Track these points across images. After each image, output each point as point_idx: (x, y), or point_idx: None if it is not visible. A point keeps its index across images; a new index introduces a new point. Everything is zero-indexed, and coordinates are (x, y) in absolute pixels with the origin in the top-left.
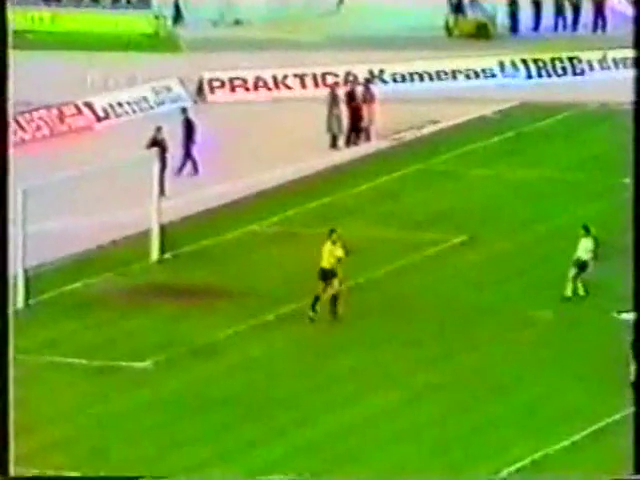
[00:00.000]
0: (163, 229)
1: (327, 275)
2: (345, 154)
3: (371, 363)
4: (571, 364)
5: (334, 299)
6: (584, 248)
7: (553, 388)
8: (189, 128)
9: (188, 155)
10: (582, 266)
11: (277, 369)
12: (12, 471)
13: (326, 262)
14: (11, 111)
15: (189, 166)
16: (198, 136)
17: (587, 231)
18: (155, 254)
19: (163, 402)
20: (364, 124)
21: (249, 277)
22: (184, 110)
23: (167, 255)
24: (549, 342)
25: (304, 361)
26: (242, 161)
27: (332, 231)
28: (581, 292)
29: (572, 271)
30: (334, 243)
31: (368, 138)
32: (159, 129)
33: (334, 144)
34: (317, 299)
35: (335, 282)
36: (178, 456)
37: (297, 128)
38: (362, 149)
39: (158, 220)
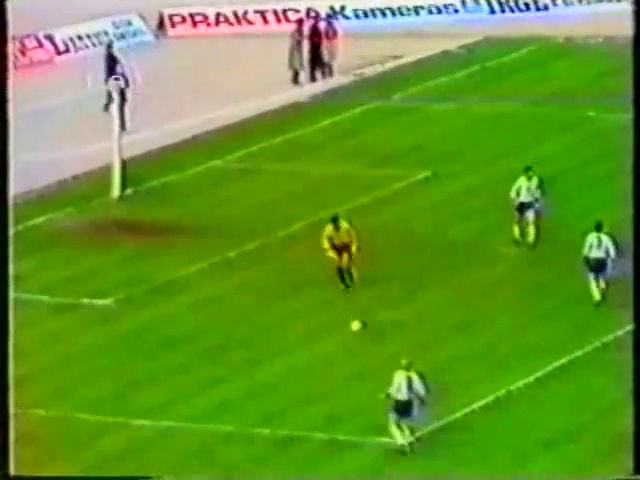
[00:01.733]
0: (124, 164)
1: (338, 249)
2: (307, 90)
3: (333, 301)
4: (535, 301)
5: (341, 271)
6: (526, 189)
7: (517, 325)
8: (112, 64)
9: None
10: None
11: (237, 308)
12: (12, 471)
13: (330, 244)
14: (11, 111)
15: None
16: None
17: (529, 171)
18: (116, 190)
19: (124, 340)
20: (326, 60)
21: (211, 214)
22: (109, 46)
23: (128, 191)
24: (514, 278)
25: (264, 300)
26: (204, 97)
27: (335, 219)
28: (531, 239)
29: (515, 214)
30: (337, 230)
31: (330, 74)
32: (120, 65)
33: (296, 80)
34: (340, 271)
35: (345, 256)
36: (138, 395)
37: (259, 64)
38: (324, 85)
39: (119, 155)
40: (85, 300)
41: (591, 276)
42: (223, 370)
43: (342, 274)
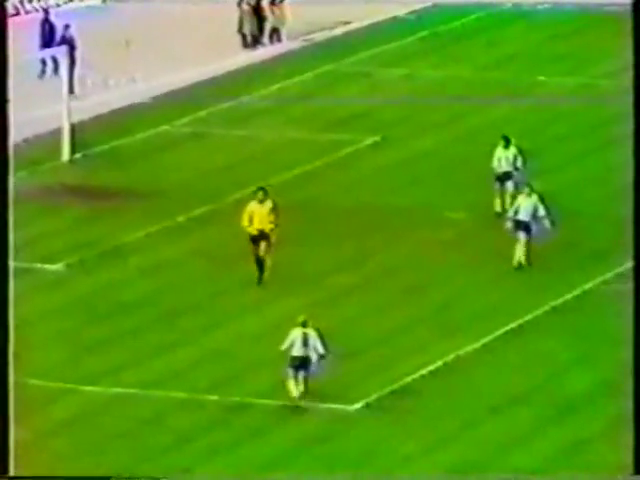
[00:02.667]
0: (73, 128)
1: (256, 239)
2: (257, 55)
3: (284, 266)
4: (484, 265)
5: (260, 263)
6: (505, 160)
7: (467, 289)
8: (49, 30)
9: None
10: (503, 179)
11: (187, 273)
12: (12, 471)
13: (254, 226)
14: (11, 110)
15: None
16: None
17: (504, 141)
18: (66, 154)
19: (75, 305)
20: (275, 25)
21: (160, 178)
22: (45, 11)
23: (78, 155)
24: (463, 243)
25: (214, 265)
26: (153, 61)
27: (260, 189)
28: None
29: (496, 185)
30: (261, 202)
31: (279, 39)
32: (67, 27)
33: (245, 45)
34: (258, 260)
35: (262, 245)
36: (89, 361)
37: (209, 29)
38: (273, 50)
39: (69, 119)
40: (36, 265)
41: (521, 236)
42: (174, 336)
43: (260, 264)
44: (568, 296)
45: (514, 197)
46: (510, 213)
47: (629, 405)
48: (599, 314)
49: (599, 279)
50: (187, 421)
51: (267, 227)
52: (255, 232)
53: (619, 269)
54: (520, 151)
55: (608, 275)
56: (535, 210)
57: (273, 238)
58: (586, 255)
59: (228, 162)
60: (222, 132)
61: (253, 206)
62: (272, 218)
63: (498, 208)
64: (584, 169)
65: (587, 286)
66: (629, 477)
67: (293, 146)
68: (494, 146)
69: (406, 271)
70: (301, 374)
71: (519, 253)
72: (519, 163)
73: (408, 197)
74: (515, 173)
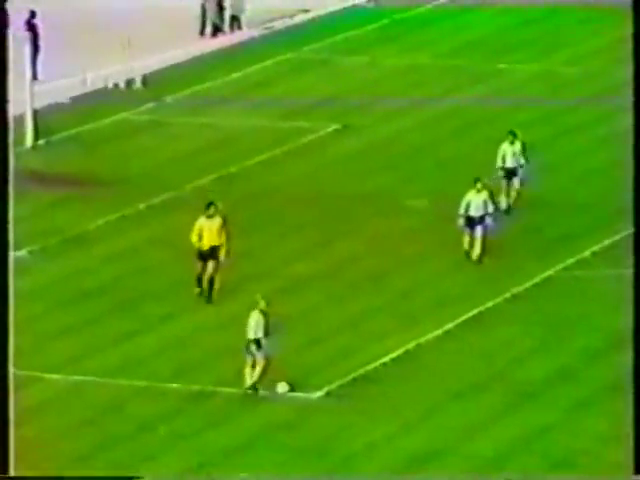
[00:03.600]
0: (36, 114)
1: (205, 256)
2: (217, 42)
3: (246, 253)
4: (445, 253)
5: (210, 281)
6: (511, 155)
7: (427, 277)
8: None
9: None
10: (509, 175)
11: (148, 261)
12: (12, 471)
13: (203, 242)
14: (11, 111)
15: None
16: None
17: (511, 136)
18: (29, 140)
19: (37, 292)
20: (235, 13)
21: (121, 166)
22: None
23: (41, 141)
24: (424, 231)
25: (176, 253)
26: (114, 48)
27: (210, 204)
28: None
29: (503, 182)
30: (210, 217)
31: (239, 27)
32: (32, 13)
33: (203, 32)
34: (200, 278)
35: (210, 264)
36: (51, 348)
37: (169, 16)
38: (233, 38)
39: (31, 105)
40: None
41: (467, 230)
42: (135, 324)
43: (200, 281)
44: (528, 283)
45: (519, 193)
46: (461, 210)
47: (587, 391)
48: (560, 301)
49: (560, 265)
50: (149, 409)
51: (217, 243)
52: (205, 248)
53: (580, 255)
54: (524, 146)
55: (569, 261)
56: (485, 206)
57: (222, 256)
58: (547, 242)
59: (189, 150)
60: (183, 120)
61: (202, 222)
62: (222, 234)
63: (504, 206)
64: (544, 156)
65: (547, 273)
66: (629, 477)
67: (254, 134)
68: (455, 133)
69: (368, 259)
70: (249, 358)
71: (477, 249)
72: (523, 159)
73: (370, 185)
74: (520, 169)
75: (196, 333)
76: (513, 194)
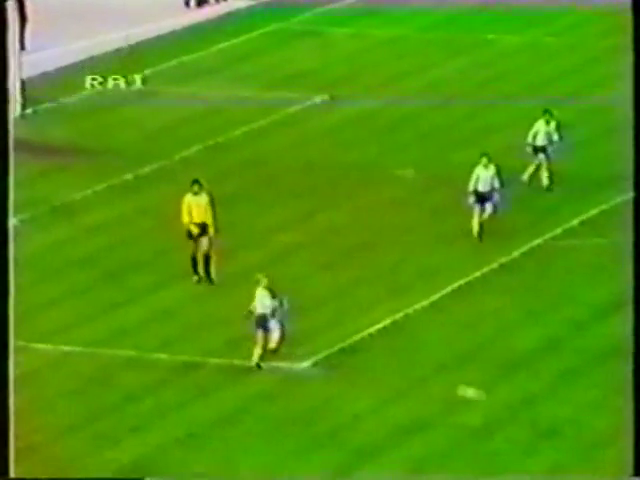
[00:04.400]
0: (24, 84)
1: (197, 233)
2: (204, 13)
3: (232, 223)
4: (432, 224)
5: (206, 260)
6: (545, 134)
7: (414, 248)
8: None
9: None
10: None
11: (135, 231)
12: (12, 471)
13: (194, 219)
14: (11, 110)
15: None
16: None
17: (547, 114)
18: (17, 109)
19: (24, 263)
20: None
21: (109, 136)
22: None
23: (29, 110)
24: (411, 202)
25: (162, 223)
26: (100, 18)
27: (195, 182)
28: (545, 182)
29: (534, 158)
30: (196, 194)
31: None
32: None
33: (189, 3)
34: (194, 261)
35: (204, 241)
36: (38, 318)
37: None
38: (221, 8)
39: (19, 74)
40: None
41: (477, 208)
42: (123, 294)
43: (196, 264)
44: (516, 253)
45: (548, 170)
46: (470, 187)
47: (574, 361)
48: (547, 271)
49: (548, 235)
50: (136, 380)
51: (207, 219)
52: (196, 227)
53: (567, 225)
54: (559, 125)
55: (557, 231)
56: (492, 181)
57: (212, 232)
58: (534, 211)
59: (176, 120)
60: (169, 90)
61: (190, 199)
62: (209, 211)
63: (526, 177)
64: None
65: (535, 242)
66: (629, 478)
67: (240, 104)
68: (443, 104)
69: (355, 229)
70: (260, 332)
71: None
72: (556, 137)
73: (357, 155)
74: (550, 147)
75: (184, 303)
76: (544, 172)
